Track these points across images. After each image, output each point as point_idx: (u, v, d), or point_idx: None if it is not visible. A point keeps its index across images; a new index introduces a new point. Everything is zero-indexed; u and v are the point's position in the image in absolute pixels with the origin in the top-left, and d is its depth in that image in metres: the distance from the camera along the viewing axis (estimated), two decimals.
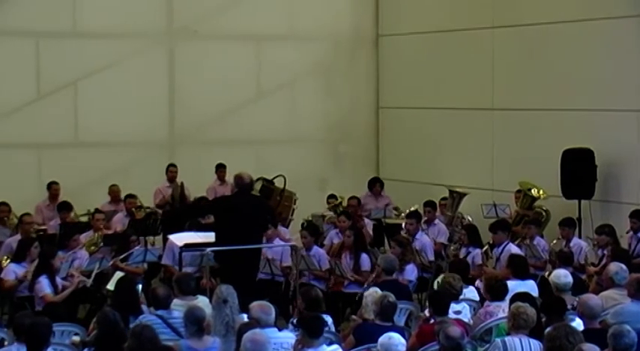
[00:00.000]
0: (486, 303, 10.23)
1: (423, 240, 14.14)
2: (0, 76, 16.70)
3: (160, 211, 15.73)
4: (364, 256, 13.22)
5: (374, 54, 19.43)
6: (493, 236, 13.40)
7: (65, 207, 14.98)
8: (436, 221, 15.26)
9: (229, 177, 15.46)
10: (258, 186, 14.50)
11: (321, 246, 14.04)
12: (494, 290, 10.20)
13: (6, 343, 9.37)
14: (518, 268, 11.42)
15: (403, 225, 14.49)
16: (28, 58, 16.98)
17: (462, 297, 10.48)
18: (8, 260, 12.92)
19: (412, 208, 15.29)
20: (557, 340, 7.84)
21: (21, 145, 16.91)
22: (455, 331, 8.04)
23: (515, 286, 10.57)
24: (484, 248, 13.44)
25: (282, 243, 13.42)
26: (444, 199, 16.23)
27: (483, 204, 15.54)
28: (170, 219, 14.92)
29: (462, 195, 16.03)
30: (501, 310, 9.82)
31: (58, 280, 12.04)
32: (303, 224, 15.09)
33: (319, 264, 13.15)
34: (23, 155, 16.98)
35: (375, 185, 17.32)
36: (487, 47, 17.12)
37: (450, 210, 15.97)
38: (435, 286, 11.10)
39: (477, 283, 11.44)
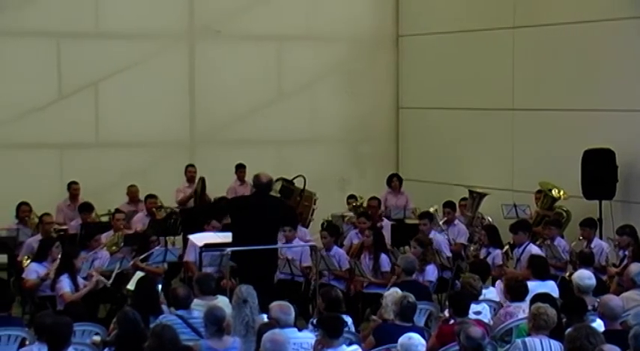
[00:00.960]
0: (506, 303, 10.21)
1: (438, 238, 14.11)
2: (21, 76, 16.79)
3: (179, 210, 15.72)
4: (384, 257, 13.19)
5: (394, 54, 19.42)
6: (514, 237, 13.36)
7: (86, 208, 15.03)
8: (456, 222, 15.24)
9: (249, 177, 15.47)
10: (277, 186, 14.49)
11: (341, 246, 14.04)
12: (515, 291, 10.18)
13: (27, 342, 9.41)
14: (539, 268, 11.38)
15: None
16: (50, 58, 17.06)
17: (482, 297, 10.46)
18: (29, 260, 12.98)
19: (431, 209, 15.27)
20: (577, 341, 7.81)
21: (42, 145, 16.98)
22: (476, 331, 8.01)
23: (535, 286, 10.53)
24: (505, 249, 13.41)
25: (302, 243, 13.42)
26: (463, 199, 16.21)
27: (504, 204, 15.51)
28: (189, 219, 14.95)
29: (482, 195, 16.00)
30: (522, 310, 9.79)
31: (80, 279, 12.07)
32: (323, 224, 15.09)
33: (339, 264, 13.14)
34: (44, 155, 17.05)
35: (393, 180, 17.34)
36: (507, 47, 17.08)
37: (470, 210, 15.95)
38: None
39: (497, 283, 11.41)
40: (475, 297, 10.16)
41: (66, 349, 8.18)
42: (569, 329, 8.23)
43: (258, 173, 12.35)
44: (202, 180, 16.34)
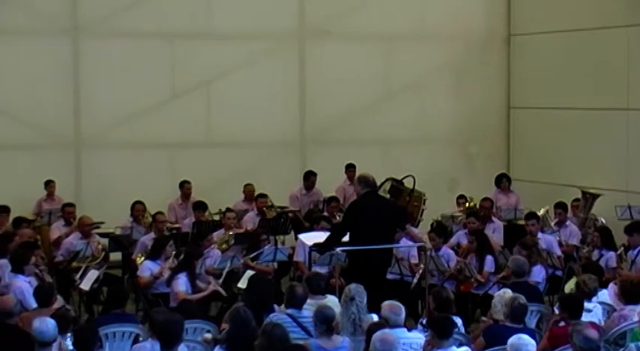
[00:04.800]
0: (621, 306, 10.05)
1: (547, 238, 13.98)
2: (135, 76, 17.06)
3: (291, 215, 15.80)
4: (489, 258, 13.13)
5: (505, 53, 19.25)
6: (628, 238, 13.15)
7: (200, 206, 15.22)
8: (567, 223, 15.05)
9: None
10: (387, 186, 14.45)
11: None
12: (629, 293, 10.01)
13: (141, 338, 9.56)
14: None
15: None
16: (163, 59, 17.32)
17: (595, 299, 10.30)
18: (143, 258, 13.20)
19: (542, 210, 15.09)
20: None
21: (155, 144, 17.25)
22: (593, 332, 7.90)
23: None
24: (619, 251, 13.19)
25: (411, 243, 13.39)
26: (576, 200, 15.99)
27: (617, 206, 15.28)
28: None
29: (595, 196, 15.77)
30: (636, 313, 9.62)
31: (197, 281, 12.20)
32: (432, 225, 15.03)
33: (448, 264, 13.10)
34: (157, 155, 17.31)
35: (502, 181, 17.21)
36: (622, 46, 16.80)
37: (582, 211, 15.73)
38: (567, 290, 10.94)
39: (610, 286, 11.22)
40: (588, 295, 10.01)
41: (177, 346, 8.29)
42: None
43: (362, 174, 12.31)
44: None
